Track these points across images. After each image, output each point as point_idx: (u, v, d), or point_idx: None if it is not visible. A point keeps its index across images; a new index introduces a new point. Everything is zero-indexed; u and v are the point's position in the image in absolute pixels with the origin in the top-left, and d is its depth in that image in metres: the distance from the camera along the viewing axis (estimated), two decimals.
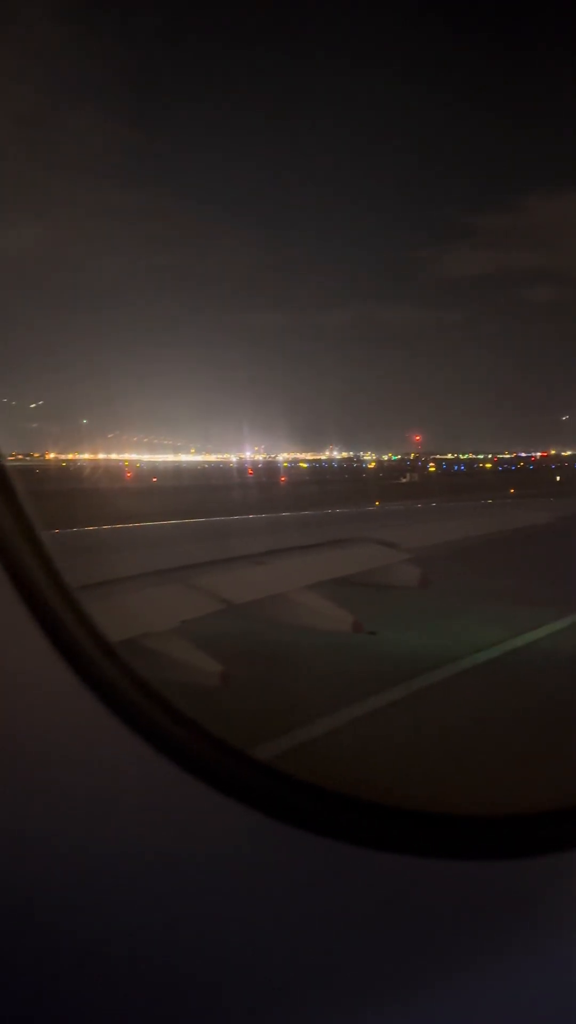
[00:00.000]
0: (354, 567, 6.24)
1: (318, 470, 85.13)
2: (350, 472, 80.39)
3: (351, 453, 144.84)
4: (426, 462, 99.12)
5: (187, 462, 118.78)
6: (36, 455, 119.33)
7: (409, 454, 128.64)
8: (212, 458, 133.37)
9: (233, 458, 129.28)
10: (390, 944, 1.35)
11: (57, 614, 1.22)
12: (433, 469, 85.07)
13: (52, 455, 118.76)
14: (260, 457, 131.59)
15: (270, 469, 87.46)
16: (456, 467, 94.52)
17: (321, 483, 52.89)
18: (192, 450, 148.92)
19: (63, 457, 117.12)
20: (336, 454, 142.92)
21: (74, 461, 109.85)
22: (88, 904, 1.22)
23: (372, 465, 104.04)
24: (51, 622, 1.20)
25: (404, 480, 59.73)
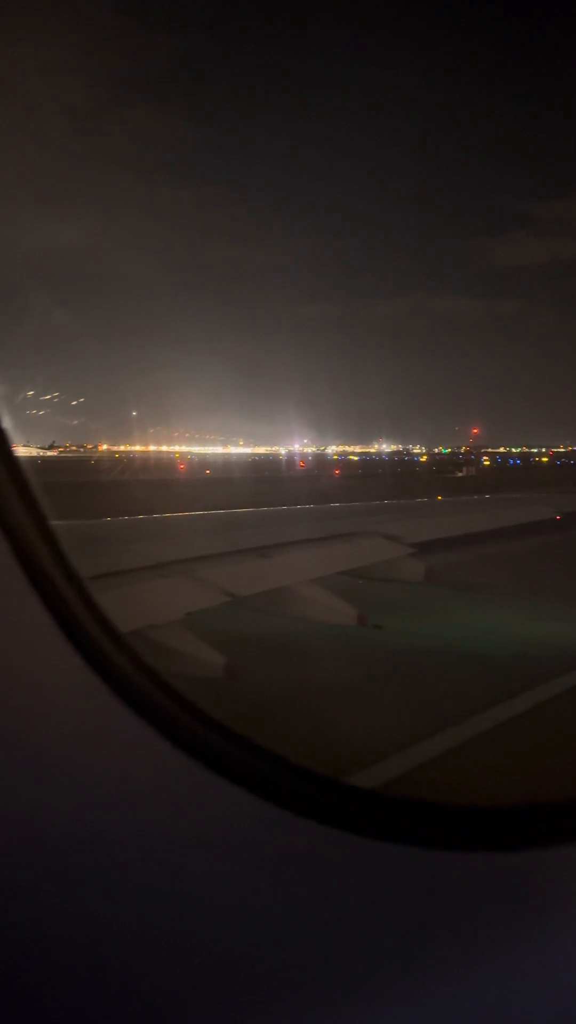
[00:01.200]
0: (359, 561, 6.21)
1: (370, 463, 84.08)
2: (403, 466, 79.29)
3: (400, 446, 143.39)
4: (479, 456, 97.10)
5: (237, 454, 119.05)
6: (89, 446, 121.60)
7: (461, 447, 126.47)
8: (261, 450, 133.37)
9: (282, 451, 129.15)
10: (390, 934, 1.34)
11: (67, 601, 1.23)
12: (488, 463, 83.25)
13: (104, 447, 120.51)
14: (309, 450, 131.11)
15: (322, 462, 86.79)
16: (511, 461, 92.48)
17: (376, 477, 52.08)
18: (240, 442, 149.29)
19: (115, 449, 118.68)
20: (385, 447, 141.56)
21: (126, 453, 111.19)
22: (91, 889, 1.21)
23: (424, 459, 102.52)
24: (60, 608, 1.21)
25: (460, 474, 58.35)
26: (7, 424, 1.23)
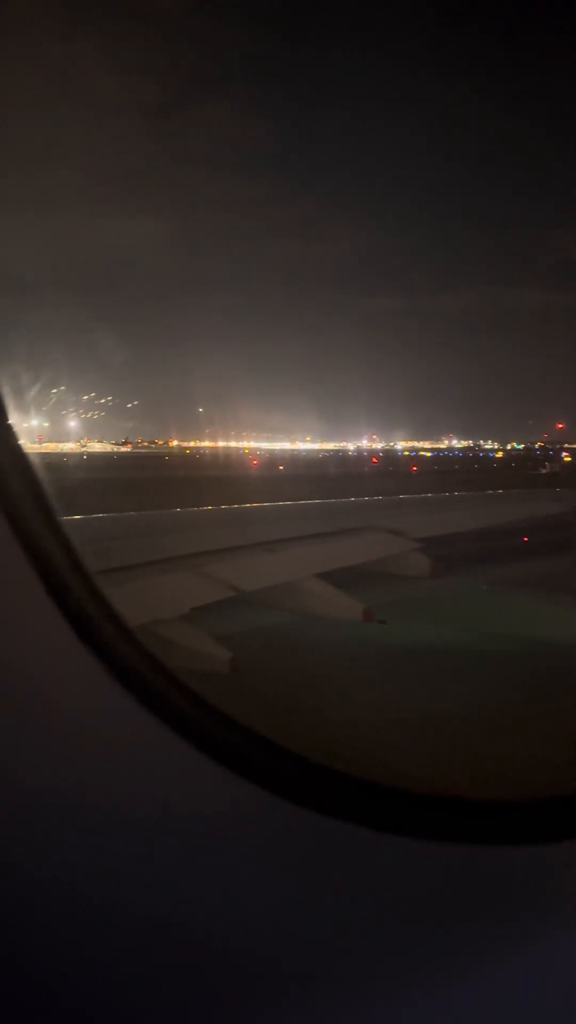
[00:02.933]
0: (364, 556, 6.17)
1: (445, 460, 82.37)
2: (479, 462, 77.20)
3: (470, 442, 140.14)
4: (558, 452, 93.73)
5: (305, 450, 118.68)
6: (159, 442, 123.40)
7: (535, 443, 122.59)
8: (329, 446, 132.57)
9: (350, 446, 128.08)
10: (391, 926, 1.34)
11: (73, 594, 1.24)
12: (568, 459, 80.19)
13: (175, 443, 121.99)
14: (377, 445, 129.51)
15: (396, 459, 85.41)
16: None
17: (458, 473, 50.61)
18: (307, 438, 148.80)
19: (185, 445, 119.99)
20: (455, 443, 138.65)
21: (196, 448, 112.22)
22: (94, 878, 1.22)
23: (499, 455, 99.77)
24: (67, 602, 1.22)
25: (544, 471, 56.17)
26: (13, 421, 1.24)
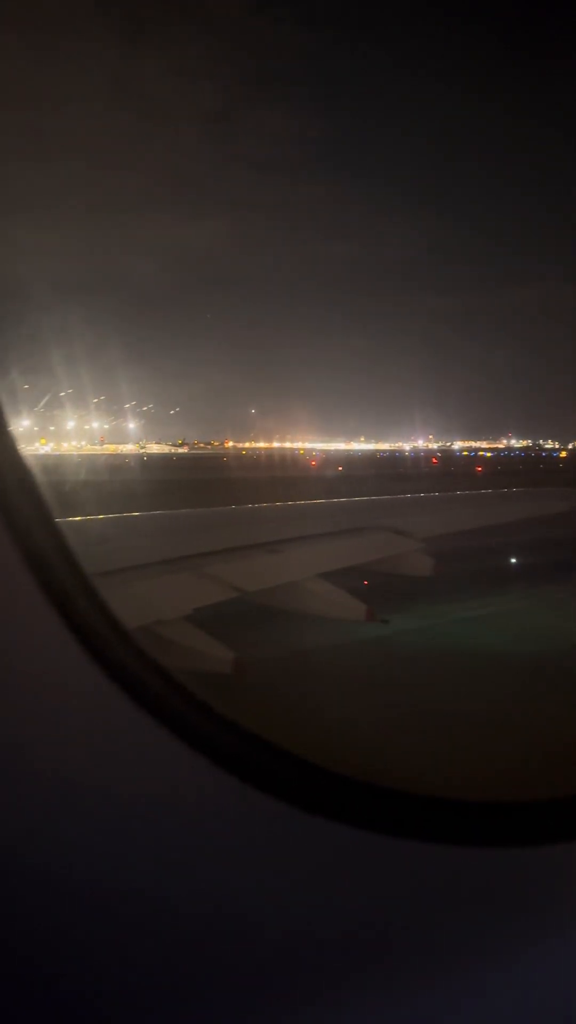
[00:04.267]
0: (367, 556, 6.12)
1: (508, 460, 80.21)
2: (545, 462, 74.81)
3: (529, 441, 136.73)
4: None
5: (360, 451, 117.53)
6: (215, 443, 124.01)
7: None
8: (384, 447, 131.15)
9: (406, 446, 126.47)
10: (393, 928, 1.35)
11: (72, 598, 1.25)
12: None
13: (230, 443, 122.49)
14: (433, 445, 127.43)
15: (457, 459, 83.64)
16: None
17: (529, 474, 48.91)
18: (362, 438, 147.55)
19: (240, 445, 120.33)
20: (515, 442, 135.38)
21: (252, 449, 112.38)
22: (94, 880, 1.22)
23: (564, 454, 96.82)
24: (66, 605, 1.22)
25: None
26: (12, 426, 1.24)
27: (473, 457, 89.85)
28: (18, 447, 1.26)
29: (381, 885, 1.38)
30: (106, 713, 1.25)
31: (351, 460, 76.27)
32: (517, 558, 13.50)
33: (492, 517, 8.55)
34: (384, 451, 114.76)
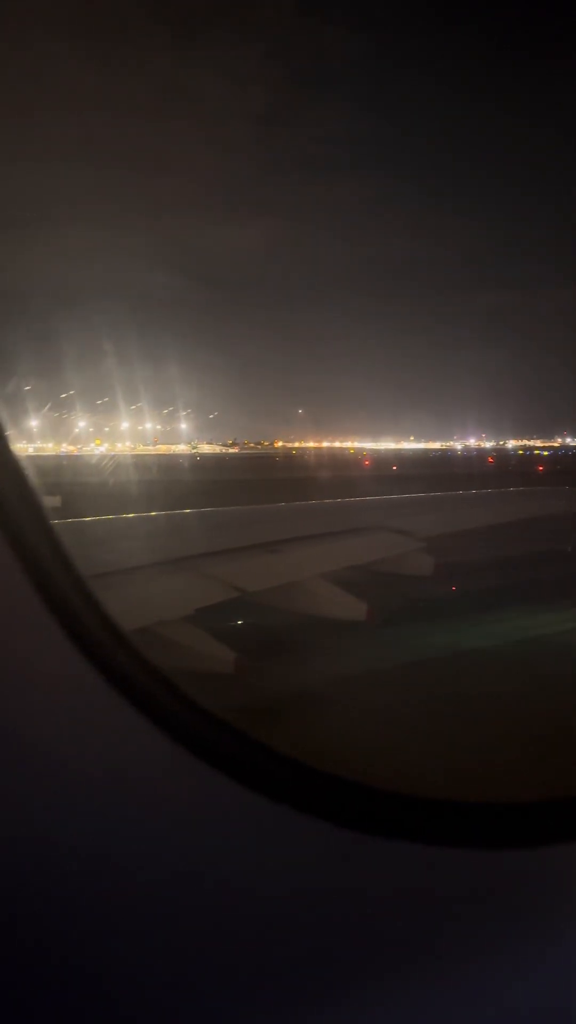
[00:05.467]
0: (368, 556, 6.08)
1: (567, 458, 77.73)
2: None
3: None
4: None
5: (411, 450, 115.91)
6: (265, 443, 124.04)
7: None
8: (435, 445, 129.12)
9: (457, 445, 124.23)
10: (389, 930, 1.35)
11: (69, 601, 1.25)
12: None
13: (280, 443, 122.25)
14: (486, 444, 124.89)
15: (512, 458, 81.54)
16: None
17: None
18: (411, 438, 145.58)
19: (290, 446, 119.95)
20: (570, 440, 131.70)
21: (302, 449, 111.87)
22: (90, 884, 1.22)
23: None
24: (63, 609, 1.22)
25: None
26: (8, 427, 1.23)
27: (530, 456, 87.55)
28: (14, 450, 1.25)
29: (379, 887, 1.37)
30: (102, 715, 1.24)
31: (405, 460, 74.98)
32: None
33: (496, 516, 8.44)
34: (436, 450, 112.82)
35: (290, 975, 1.28)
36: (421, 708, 6.44)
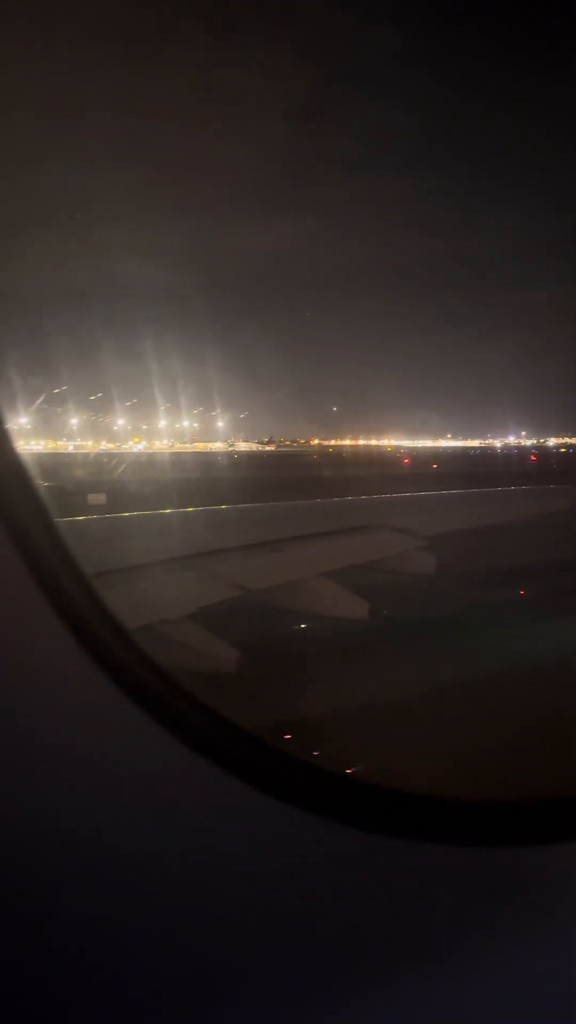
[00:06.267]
0: (370, 554, 6.17)
1: None
2: None
3: None
4: None
5: (449, 448, 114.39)
6: (301, 441, 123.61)
7: None
8: (474, 443, 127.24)
9: (497, 443, 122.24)
10: (390, 928, 1.35)
11: (72, 599, 1.25)
12: None
13: (315, 441, 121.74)
14: (527, 442, 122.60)
15: (556, 456, 79.75)
16: None
17: None
18: (448, 435, 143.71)
19: (326, 443, 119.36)
20: None
21: (337, 447, 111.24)
22: (92, 879, 1.22)
23: None
24: (66, 606, 1.23)
25: None
26: (9, 425, 1.24)
27: (574, 454, 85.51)
28: (16, 447, 1.25)
29: (380, 885, 1.37)
30: (105, 713, 1.24)
31: (444, 458, 73.82)
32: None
33: (497, 515, 8.54)
34: (475, 448, 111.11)
35: (292, 970, 1.28)
36: (423, 705, 6.45)
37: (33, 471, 1.27)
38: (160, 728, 1.26)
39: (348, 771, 1.48)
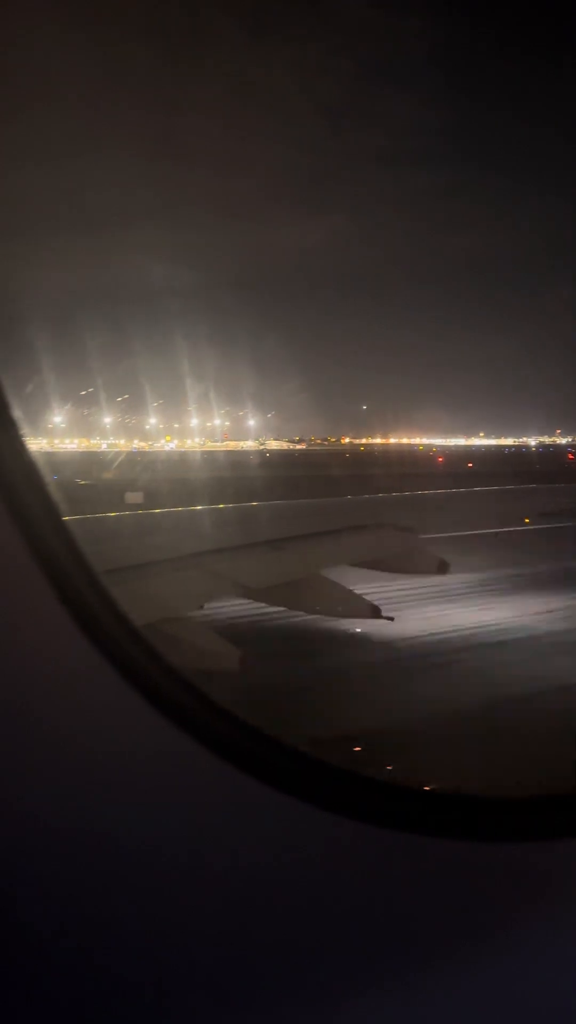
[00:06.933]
0: (372, 553, 6.12)
1: None
2: None
3: None
4: None
5: (482, 446, 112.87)
6: (332, 439, 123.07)
7: None
8: (508, 442, 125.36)
9: (531, 441, 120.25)
10: (392, 922, 1.36)
11: (81, 594, 1.26)
12: None
13: (347, 440, 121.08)
14: (563, 440, 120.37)
15: None
16: None
17: None
18: (481, 434, 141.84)
19: (358, 442, 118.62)
20: None
21: (369, 445, 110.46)
22: (95, 875, 1.23)
23: None
24: (75, 601, 1.24)
25: None
26: (20, 422, 1.25)
27: None
28: (25, 444, 1.24)
29: (380, 878, 1.37)
30: (112, 707, 1.25)
31: (478, 457, 72.65)
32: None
33: (494, 516, 8.72)
34: (509, 447, 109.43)
35: (292, 963, 1.28)
36: (424, 702, 6.40)
37: (41, 468, 1.27)
38: (167, 722, 1.26)
39: (349, 764, 1.46)
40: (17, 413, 1.22)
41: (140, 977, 1.20)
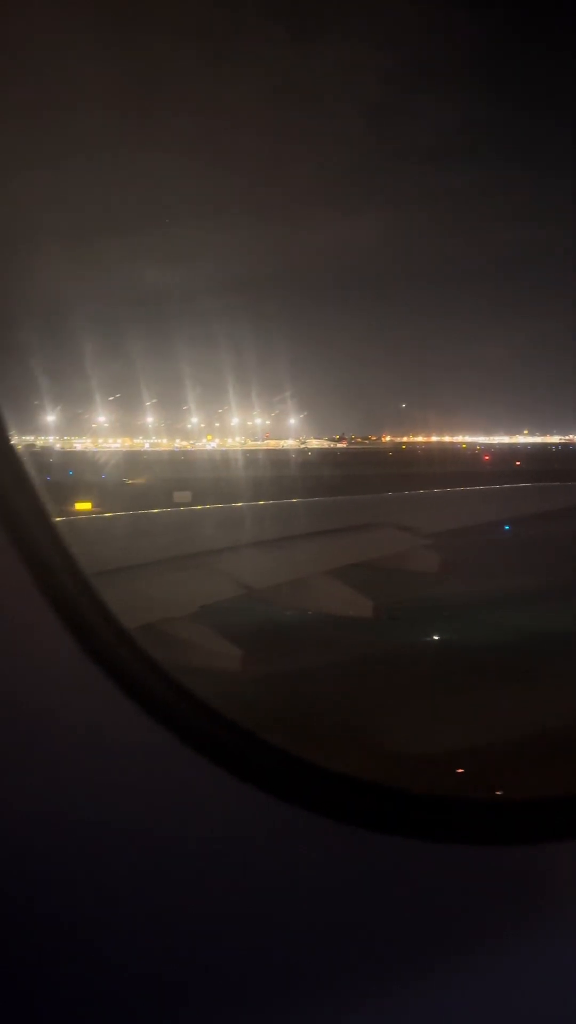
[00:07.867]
0: (373, 552, 6.13)
1: None
2: None
3: None
4: None
5: (527, 444, 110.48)
6: (372, 438, 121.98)
7: None
8: (554, 439, 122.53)
9: None
10: (390, 926, 1.35)
11: (71, 597, 1.25)
12: None
13: (387, 438, 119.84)
14: None
15: None
16: None
17: None
18: (525, 431, 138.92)
19: (398, 440, 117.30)
20: None
21: (411, 444, 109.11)
22: (90, 879, 1.22)
23: None
24: (65, 606, 1.23)
25: None
26: (8, 423, 1.23)
27: None
28: (15, 446, 1.23)
29: (380, 883, 1.37)
30: (105, 712, 1.23)
31: (524, 455, 70.87)
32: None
33: (499, 513, 8.57)
34: (557, 445, 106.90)
35: (290, 968, 1.27)
36: (425, 703, 6.35)
37: (32, 471, 1.25)
38: (160, 726, 1.24)
39: (350, 769, 1.45)
40: (1, 412, 1.19)
41: (139, 977, 1.19)
